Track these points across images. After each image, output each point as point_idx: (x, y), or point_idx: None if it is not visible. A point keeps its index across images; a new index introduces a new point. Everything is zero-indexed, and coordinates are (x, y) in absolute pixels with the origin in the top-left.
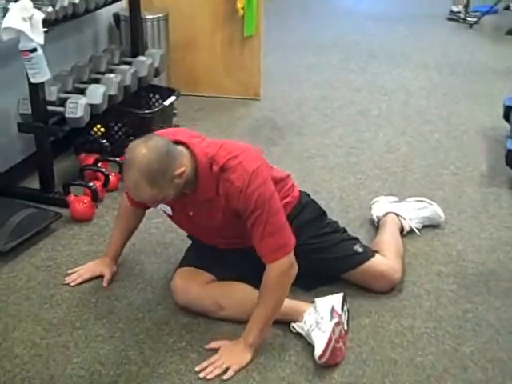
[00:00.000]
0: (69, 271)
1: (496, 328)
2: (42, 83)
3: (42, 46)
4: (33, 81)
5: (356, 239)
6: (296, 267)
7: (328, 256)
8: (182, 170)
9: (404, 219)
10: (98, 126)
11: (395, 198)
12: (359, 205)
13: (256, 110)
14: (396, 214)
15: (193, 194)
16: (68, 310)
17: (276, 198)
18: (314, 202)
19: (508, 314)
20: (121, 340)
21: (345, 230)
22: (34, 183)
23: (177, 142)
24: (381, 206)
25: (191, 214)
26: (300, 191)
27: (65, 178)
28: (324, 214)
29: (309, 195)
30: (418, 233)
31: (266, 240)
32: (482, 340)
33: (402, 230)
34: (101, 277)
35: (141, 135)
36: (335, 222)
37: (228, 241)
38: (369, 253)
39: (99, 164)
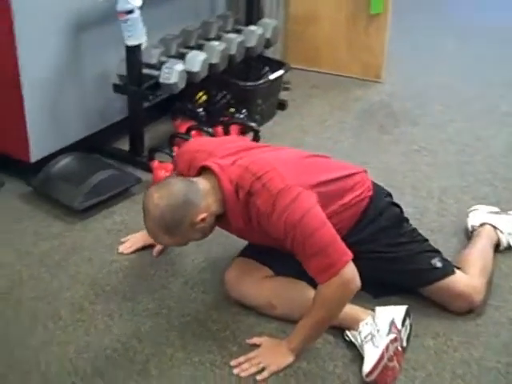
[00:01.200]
0: (122, 239)
1: None
2: (138, 46)
3: (149, 8)
4: (127, 43)
5: (437, 252)
6: (354, 283)
7: (401, 268)
8: (203, 216)
9: (502, 233)
10: (201, 93)
11: (496, 209)
12: (458, 210)
13: (374, 93)
14: (493, 227)
15: (225, 224)
16: (124, 278)
17: (313, 213)
18: (394, 204)
19: None
20: (166, 318)
21: (425, 240)
22: (126, 145)
23: (205, 168)
24: (478, 215)
25: (231, 232)
26: (376, 193)
27: (156, 143)
28: (402, 220)
29: (390, 195)
30: None
31: (309, 262)
32: None
33: (498, 245)
34: (153, 246)
35: (243, 106)
36: (414, 231)
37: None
38: (448, 269)
39: (192, 132)
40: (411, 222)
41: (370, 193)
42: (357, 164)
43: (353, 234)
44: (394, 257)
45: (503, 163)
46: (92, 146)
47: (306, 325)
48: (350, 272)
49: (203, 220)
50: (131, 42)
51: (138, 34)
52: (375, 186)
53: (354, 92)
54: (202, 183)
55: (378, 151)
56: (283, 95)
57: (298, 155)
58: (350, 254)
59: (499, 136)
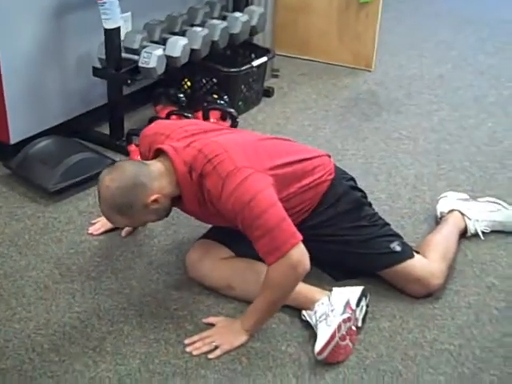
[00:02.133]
0: (92, 221)
1: None
2: (117, 29)
3: None
4: (105, 26)
5: (397, 236)
6: (302, 266)
7: (361, 251)
8: (155, 197)
9: (469, 220)
10: (186, 79)
11: (466, 196)
12: (431, 197)
13: (362, 82)
14: (461, 213)
15: (182, 205)
16: (90, 259)
17: (262, 195)
18: (356, 189)
19: None
20: (127, 297)
21: (386, 225)
22: (108, 129)
23: (160, 150)
24: (448, 202)
25: (190, 214)
26: (337, 177)
27: (137, 128)
28: (364, 204)
29: (352, 179)
30: (482, 237)
31: (258, 243)
32: (509, 370)
33: (465, 231)
34: (122, 228)
35: (226, 92)
36: (375, 215)
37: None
38: (407, 253)
39: (172, 117)
40: (382, 207)
41: (331, 176)
42: (336, 150)
43: (313, 216)
44: (354, 240)
45: (483, 152)
46: (73, 130)
47: (257, 305)
48: (298, 254)
49: (156, 201)
50: (109, 25)
51: (115, 17)
52: (337, 170)
53: (343, 80)
54: (156, 165)
55: (357, 138)
56: (271, 83)
57: (256, 138)
58: (298, 237)
59: (484, 125)
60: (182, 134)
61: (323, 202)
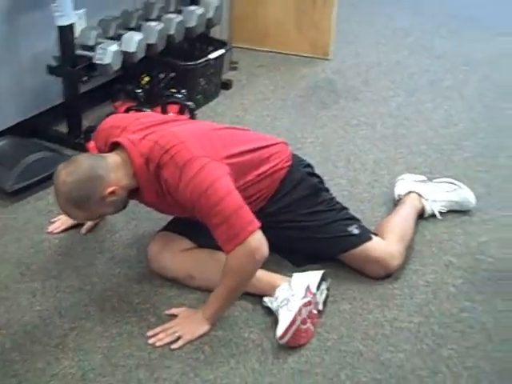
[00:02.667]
0: (52, 219)
1: (488, 334)
2: (70, 26)
3: None
4: (58, 23)
5: (354, 219)
6: (260, 253)
7: (318, 236)
8: (111, 189)
9: (427, 200)
10: (144, 75)
11: (423, 177)
12: (389, 181)
13: (320, 71)
14: (419, 195)
15: (140, 196)
16: (51, 257)
17: (218, 184)
18: (313, 174)
19: (508, 320)
20: (88, 294)
21: (343, 209)
22: (66, 127)
23: (115, 145)
24: (405, 184)
25: (149, 206)
26: (294, 164)
27: (95, 125)
28: (321, 190)
29: (309, 166)
30: (439, 217)
31: (216, 231)
32: (467, 344)
33: (423, 212)
34: (83, 225)
35: (184, 86)
36: (332, 200)
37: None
38: (365, 236)
39: (130, 113)
40: (342, 193)
41: (288, 163)
42: (295, 139)
43: (271, 203)
44: (312, 225)
45: (440, 135)
46: (31, 130)
47: (217, 293)
48: (256, 242)
49: (113, 193)
50: (62, 22)
51: (68, 14)
52: (294, 157)
53: (301, 70)
54: (113, 157)
55: (316, 126)
56: (229, 75)
57: (212, 128)
58: (256, 224)
59: (440, 109)
60: (138, 126)
61: (281, 188)
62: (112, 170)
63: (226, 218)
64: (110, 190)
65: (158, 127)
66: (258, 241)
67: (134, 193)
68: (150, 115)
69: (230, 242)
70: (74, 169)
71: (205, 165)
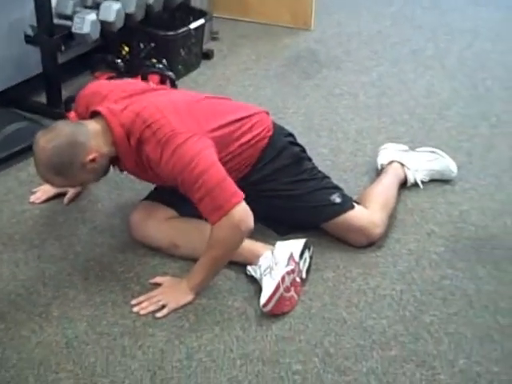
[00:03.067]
0: (33, 189)
1: (470, 300)
2: None
3: None
4: None
5: (336, 188)
6: (245, 224)
7: (301, 205)
8: (92, 156)
9: (409, 170)
10: (123, 45)
11: (405, 147)
12: (372, 150)
13: (302, 41)
14: (401, 164)
15: (121, 164)
16: (33, 227)
17: (200, 157)
18: (295, 144)
19: (489, 287)
20: (71, 263)
21: (325, 177)
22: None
23: (95, 113)
24: (387, 154)
25: (131, 174)
26: (275, 133)
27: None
28: (303, 158)
29: (291, 135)
30: (421, 186)
31: (200, 204)
32: (449, 311)
33: (405, 181)
34: (64, 195)
35: (165, 56)
36: (314, 169)
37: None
38: (347, 204)
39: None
40: (325, 162)
41: (270, 133)
42: (277, 109)
43: (253, 173)
44: (294, 194)
45: (422, 104)
46: (9, 100)
47: (202, 264)
48: (241, 213)
49: (93, 160)
50: None
51: None
52: (275, 126)
53: (282, 40)
54: (92, 125)
55: (298, 96)
56: (211, 45)
57: (194, 99)
58: (239, 195)
59: (422, 79)
60: (119, 94)
61: (263, 157)
62: (92, 137)
63: (210, 191)
64: (90, 156)
65: (140, 97)
66: (243, 212)
67: (114, 160)
68: (131, 83)
69: (214, 213)
70: (54, 135)
71: (186, 139)
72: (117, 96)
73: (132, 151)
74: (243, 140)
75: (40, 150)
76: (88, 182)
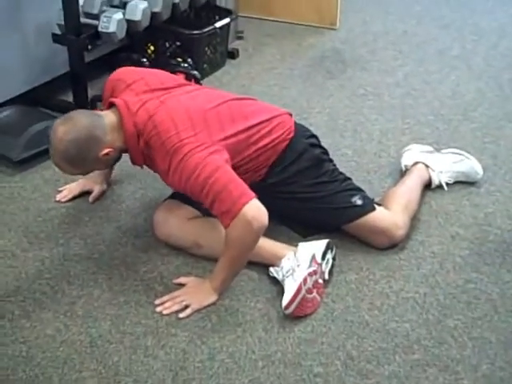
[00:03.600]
0: (59, 188)
1: (495, 304)
2: None
3: None
4: None
5: (357, 190)
6: (257, 222)
7: (323, 206)
8: (106, 151)
9: (433, 171)
10: (149, 44)
11: (430, 148)
12: (396, 151)
13: (327, 40)
14: (425, 165)
15: (131, 158)
16: (58, 225)
17: (205, 163)
18: (316, 146)
19: None
20: (96, 262)
21: (346, 179)
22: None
23: (113, 104)
24: (411, 155)
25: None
26: (296, 135)
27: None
28: (324, 161)
29: (313, 136)
30: (445, 188)
31: (212, 210)
32: (473, 315)
33: (429, 183)
34: (90, 193)
35: (190, 55)
36: (335, 171)
37: None
38: (368, 206)
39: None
40: (349, 163)
41: (290, 135)
42: (301, 109)
43: (273, 175)
44: (314, 196)
45: (447, 105)
46: (37, 99)
47: (221, 264)
48: (252, 211)
49: (107, 154)
50: None
51: None
52: (297, 128)
53: (308, 40)
54: (110, 118)
55: (323, 96)
56: (235, 44)
57: (214, 102)
58: (248, 195)
59: (447, 79)
60: (142, 87)
61: (283, 160)
62: (108, 131)
63: (217, 194)
64: (105, 151)
65: (161, 94)
66: (255, 210)
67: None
68: (158, 76)
69: (225, 217)
70: (72, 127)
71: (193, 149)
72: (139, 89)
73: (141, 150)
74: (260, 144)
75: (57, 141)
76: (97, 170)
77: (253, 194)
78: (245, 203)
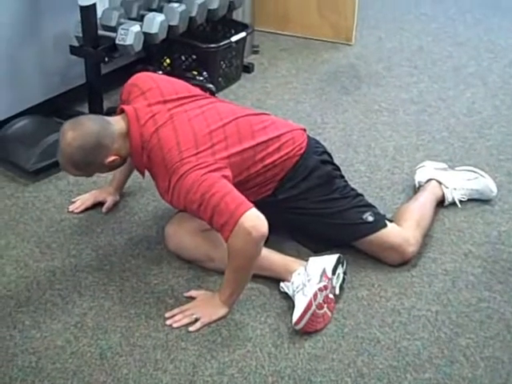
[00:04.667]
0: (73, 199)
1: (507, 324)
2: (93, 6)
3: None
4: (80, 3)
5: (369, 206)
6: (256, 231)
7: (333, 223)
8: (112, 159)
9: (447, 188)
10: (165, 57)
11: (444, 165)
12: (410, 168)
13: (342, 56)
14: (439, 182)
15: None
16: (70, 236)
17: (203, 179)
18: (327, 162)
19: None
20: (107, 273)
21: (358, 195)
22: (87, 108)
23: (123, 111)
24: (425, 171)
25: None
26: (308, 151)
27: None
28: (335, 177)
29: (325, 153)
30: (459, 205)
31: (212, 224)
32: (485, 334)
33: (443, 200)
34: (103, 204)
35: (206, 69)
36: (346, 187)
37: None
38: (380, 222)
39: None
40: (362, 179)
41: (301, 151)
42: (316, 124)
43: (284, 191)
44: (326, 212)
45: (462, 122)
46: (53, 110)
47: (228, 277)
48: (249, 221)
49: (113, 161)
50: (84, 2)
51: None
52: (309, 144)
53: (323, 55)
54: (119, 125)
55: (337, 111)
56: (251, 58)
57: (224, 120)
58: (245, 206)
59: (463, 96)
60: (156, 97)
61: (293, 176)
62: (116, 139)
63: (214, 209)
64: (111, 159)
65: (173, 106)
66: (252, 220)
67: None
68: (173, 84)
69: (224, 230)
70: (82, 133)
71: (191, 168)
72: (153, 98)
73: (143, 161)
74: (268, 161)
75: (66, 145)
76: (100, 173)
77: (250, 204)
78: (242, 214)
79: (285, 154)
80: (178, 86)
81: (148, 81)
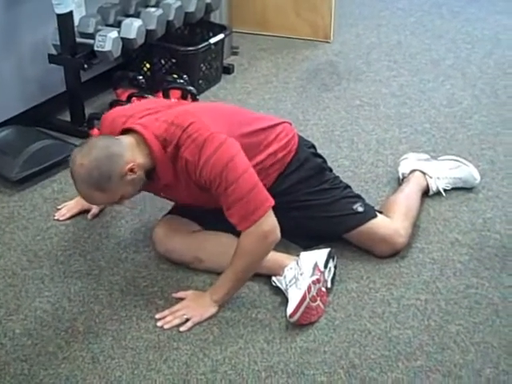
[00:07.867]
0: (58, 206)
1: (496, 309)
2: (70, 14)
3: None
4: (56, 11)
5: (358, 197)
6: (273, 235)
7: (324, 214)
8: (131, 165)
9: (431, 178)
10: (145, 61)
11: (426, 156)
12: (393, 160)
13: (321, 54)
14: (423, 172)
15: (155, 182)
16: (58, 243)
17: (237, 160)
18: (316, 155)
19: None
20: (96, 278)
21: (347, 187)
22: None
23: (127, 130)
24: (408, 163)
25: (162, 194)
26: (300, 144)
27: (98, 112)
28: (324, 169)
29: (313, 146)
30: (443, 194)
31: (233, 209)
32: (474, 320)
33: (427, 190)
34: (89, 211)
35: (185, 71)
36: (335, 178)
37: (208, 206)
38: (370, 213)
39: (133, 100)
40: (346, 173)
41: (296, 146)
42: (298, 121)
43: (275, 185)
44: (317, 204)
45: (443, 113)
46: (34, 119)
47: (227, 276)
48: (269, 224)
49: (132, 170)
50: (61, 10)
51: (66, 2)
52: (298, 137)
53: (302, 53)
54: (125, 139)
55: (319, 108)
56: (231, 60)
57: (221, 107)
58: (271, 201)
59: (442, 88)
60: (144, 112)
61: (287, 168)
62: (127, 148)
63: (244, 195)
64: (129, 166)
65: (167, 110)
66: (271, 223)
67: (149, 174)
68: (154, 101)
69: (244, 220)
70: (89, 149)
71: (223, 141)
72: (142, 114)
73: (169, 161)
74: (270, 150)
75: (78, 167)
76: (127, 195)
77: (273, 201)
78: (267, 209)
79: (283, 145)
80: (159, 101)
81: (129, 108)
